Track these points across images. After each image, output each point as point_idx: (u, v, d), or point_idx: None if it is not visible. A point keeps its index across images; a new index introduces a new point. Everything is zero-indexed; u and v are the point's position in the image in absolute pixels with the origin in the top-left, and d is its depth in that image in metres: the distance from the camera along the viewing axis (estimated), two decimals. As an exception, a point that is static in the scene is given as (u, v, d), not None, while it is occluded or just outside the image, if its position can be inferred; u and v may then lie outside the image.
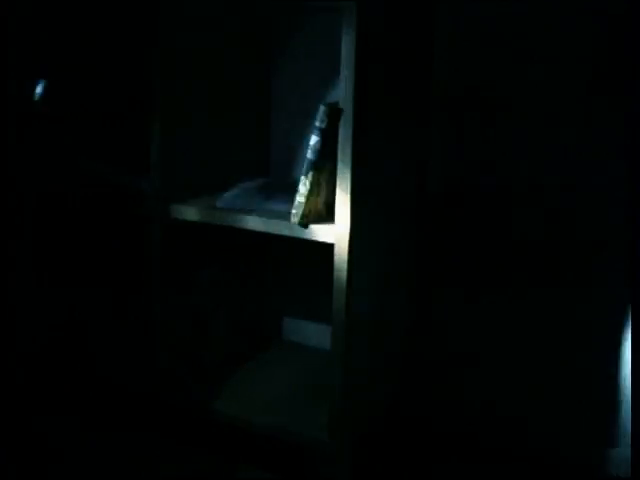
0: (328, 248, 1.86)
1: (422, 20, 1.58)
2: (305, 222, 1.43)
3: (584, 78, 1.53)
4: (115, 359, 1.84)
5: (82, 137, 1.89)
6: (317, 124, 1.40)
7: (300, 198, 1.43)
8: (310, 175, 1.42)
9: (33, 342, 1.90)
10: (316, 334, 1.93)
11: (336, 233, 1.39)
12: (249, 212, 1.51)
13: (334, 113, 1.39)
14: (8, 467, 1.54)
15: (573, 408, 1.65)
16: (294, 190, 1.66)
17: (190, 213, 1.56)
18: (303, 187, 1.42)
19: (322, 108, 1.40)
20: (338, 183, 1.36)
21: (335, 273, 1.40)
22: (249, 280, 1.87)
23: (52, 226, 1.89)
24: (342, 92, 1.33)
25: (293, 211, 1.43)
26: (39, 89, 1.69)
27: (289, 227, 1.45)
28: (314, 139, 1.41)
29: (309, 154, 1.41)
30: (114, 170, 1.69)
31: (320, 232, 1.42)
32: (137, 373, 1.77)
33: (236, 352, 1.83)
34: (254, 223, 1.49)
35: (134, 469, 1.60)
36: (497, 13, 1.58)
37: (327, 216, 1.49)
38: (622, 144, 1.52)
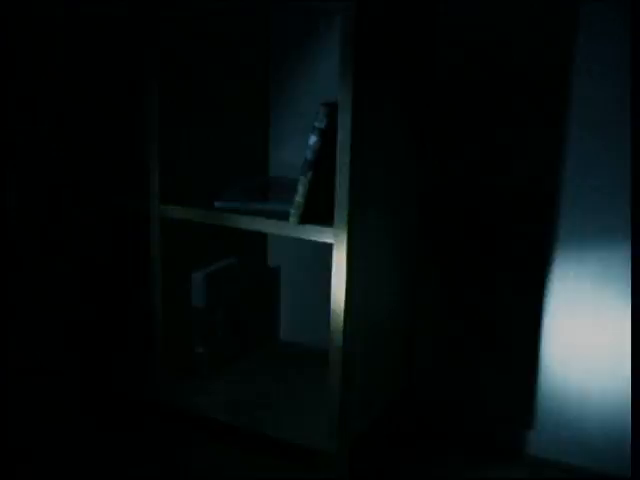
0: (328, 248, 1.87)
1: (423, 18, 1.58)
2: (304, 222, 1.43)
3: (584, 78, 1.53)
4: (114, 362, 1.84)
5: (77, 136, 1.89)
6: (316, 124, 1.40)
7: (299, 198, 1.43)
8: (309, 175, 1.42)
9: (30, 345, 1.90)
10: (315, 334, 1.93)
11: (335, 233, 1.39)
12: (248, 212, 1.51)
13: (333, 113, 1.39)
14: None
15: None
16: (293, 190, 1.67)
17: (190, 213, 1.56)
18: (302, 187, 1.42)
19: (321, 108, 1.40)
20: (337, 183, 1.36)
21: (334, 273, 1.40)
22: (248, 280, 1.87)
23: (51, 225, 1.89)
24: (341, 92, 1.33)
25: (292, 211, 1.43)
26: None
27: (288, 227, 1.45)
28: (313, 139, 1.41)
29: (308, 154, 1.41)
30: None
31: (319, 232, 1.42)
32: (134, 375, 1.77)
33: (235, 352, 1.83)
34: (253, 223, 1.49)
35: (129, 468, 1.60)
36: (497, 13, 1.58)
37: (326, 216, 1.49)
38: (622, 144, 1.52)
